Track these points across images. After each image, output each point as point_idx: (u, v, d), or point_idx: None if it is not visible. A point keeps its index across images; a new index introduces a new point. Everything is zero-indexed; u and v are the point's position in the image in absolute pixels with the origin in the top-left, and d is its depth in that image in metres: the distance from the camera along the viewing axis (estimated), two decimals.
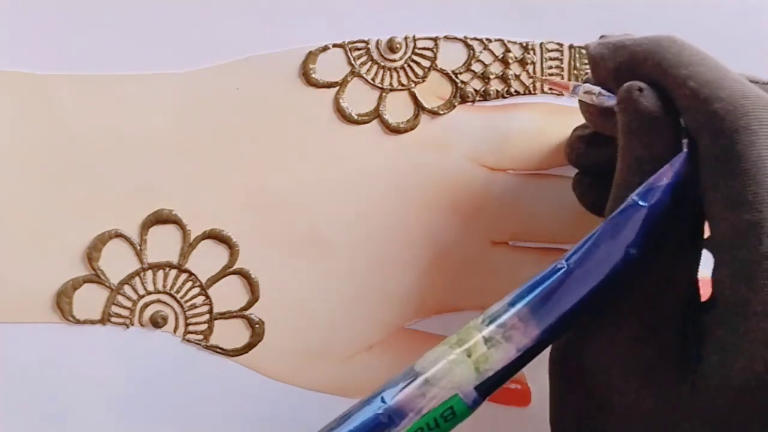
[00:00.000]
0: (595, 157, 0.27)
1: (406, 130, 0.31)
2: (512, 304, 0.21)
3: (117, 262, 0.29)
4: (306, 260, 0.30)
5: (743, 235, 0.19)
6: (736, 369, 0.18)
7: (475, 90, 0.31)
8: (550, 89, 0.31)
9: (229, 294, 0.30)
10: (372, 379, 0.30)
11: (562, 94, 0.31)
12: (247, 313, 0.30)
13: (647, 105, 0.21)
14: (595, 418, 0.22)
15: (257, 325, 0.30)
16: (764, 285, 0.18)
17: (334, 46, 0.30)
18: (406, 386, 0.20)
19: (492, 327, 0.21)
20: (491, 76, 0.31)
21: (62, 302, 0.29)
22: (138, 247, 0.30)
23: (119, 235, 0.29)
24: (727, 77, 0.20)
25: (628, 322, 0.21)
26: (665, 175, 0.21)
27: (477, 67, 0.31)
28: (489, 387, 0.21)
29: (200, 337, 0.30)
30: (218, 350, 0.30)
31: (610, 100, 0.23)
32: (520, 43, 0.31)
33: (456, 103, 0.31)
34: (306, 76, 0.30)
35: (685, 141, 0.21)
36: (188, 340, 0.30)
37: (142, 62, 0.30)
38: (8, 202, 0.29)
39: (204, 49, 0.30)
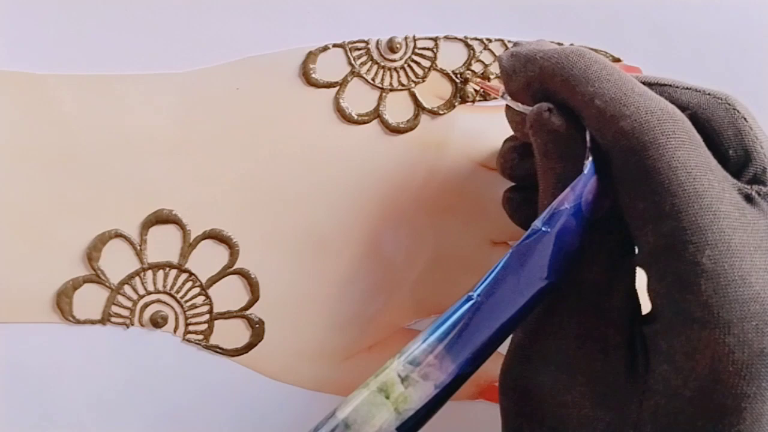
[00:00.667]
0: (529, 167, 0.26)
1: (406, 130, 0.31)
2: (425, 340, 0.20)
3: (117, 262, 0.29)
4: (306, 260, 0.30)
5: (669, 246, 0.19)
6: (684, 378, 0.19)
7: (475, 90, 0.31)
8: (481, 90, 0.31)
9: (229, 294, 0.30)
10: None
11: (490, 97, 0.31)
12: (247, 313, 0.30)
13: (558, 125, 0.21)
14: None
15: (257, 325, 0.30)
16: (699, 291, 0.18)
17: (334, 46, 0.30)
18: None
19: (407, 365, 0.20)
20: (491, 76, 0.31)
21: (62, 302, 0.29)
22: (138, 247, 0.30)
23: (119, 235, 0.29)
24: (633, 92, 0.20)
25: (573, 341, 0.21)
26: (566, 200, 0.20)
27: (477, 67, 0.31)
28: (411, 427, 0.20)
29: (200, 337, 0.30)
30: (218, 350, 0.30)
31: (525, 109, 0.23)
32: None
33: (456, 103, 0.31)
34: (306, 76, 0.30)
35: (587, 161, 0.21)
36: (188, 340, 0.30)
37: (142, 62, 0.30)
38: (8, 202, 0.29)
39: (204, 49, 0.30)
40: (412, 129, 0.31)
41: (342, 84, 0.30)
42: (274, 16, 0.30)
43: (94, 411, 0.29)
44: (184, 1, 0.30)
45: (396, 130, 0.31)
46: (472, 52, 0.31)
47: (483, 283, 0.20)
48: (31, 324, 0.29)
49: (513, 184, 0.28)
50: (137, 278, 0.30)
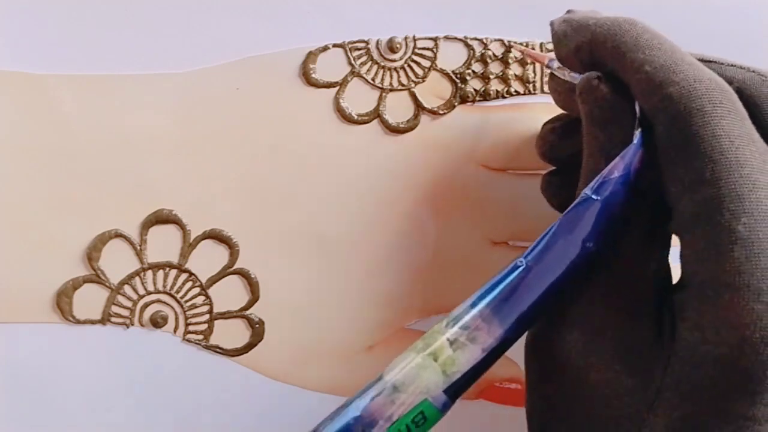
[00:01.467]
0: (569, 147, 0.27)
1: (406, 130, 0.31)
2: (474, 305, 0.21)
3: (117, 262, 0.29)
4: (306, 260, 0.30)
5: (706, 212, 0.19)
6: (711, 344, 0.19)
7: (475, 90, 0.31)
8: (527, 58, 0.31)
9: (229, 294, 0.30)
10: (372, 379, 0.30)
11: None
12: (247, 313, 0.30)
13: (606, 93, 0.22)
14: (564, 406, 0.22)
15: (257, 325, 0.30)
16: (732, 258, 0.18)
17: (334, 46, 0.30)
18: (376, 395, 0.20)
19: (455, 329, 0.21)
20: (491, 76, 0.31)
21: (62, 302, 0.29)
22: (138, 247, 0.30)
23: (119, 235, 0.29)
24: (683, 61, 0.21)
25: (602, 306, 0.21)
26: (617, 168, 0.21)
27: (477, 67, 0.31)
28: (457, 389, 0.21)
29: (200, 337, 0.30)
30: (218, 350, 0.30)
31: (572, 76, 0.24)
32: (521, 43, 0.31)
33: (456, 103, 0.31)
34: (306, 76, 0.30)
35: (637, 131, 0.21)
36: (188, 340, 0.30)
37: (142, 62, 0.30)
38: (8, 202, 0.29)
39: (204, 49, 0.30)
40: (412, 129, 0.31)
41: (342, 84, 0.30)
42: (274, 16, 0.30)
43: (94, 411, 0.29)
44: (184, 1, 0.30)
45: (396, 130, 0.30)
46: (472, 52, 0.31)
47: (533, 249, 0.21)
48: (31, 324, 0.29)
49: (553, 168, 0.28)
50: (137, 278, 0.30)
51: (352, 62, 0.30)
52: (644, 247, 0.21)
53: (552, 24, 0.24)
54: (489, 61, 0.31)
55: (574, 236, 0.21)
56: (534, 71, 0.31)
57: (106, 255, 0.29)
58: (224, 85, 0.30)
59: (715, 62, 0.23)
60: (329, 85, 0.30)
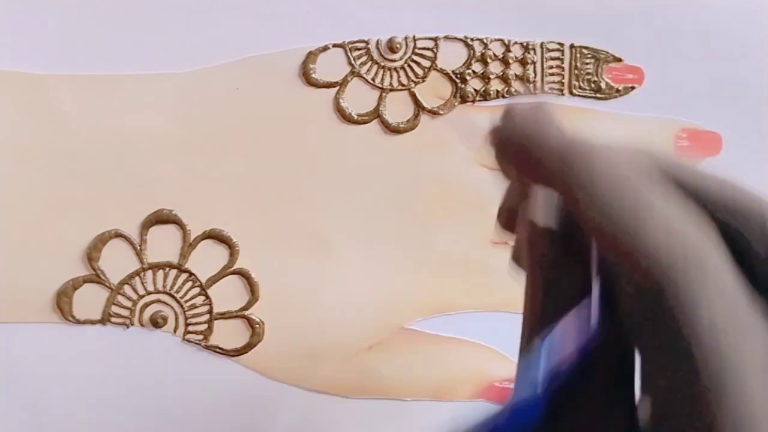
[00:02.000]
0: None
1: (406, 130, 0.30)
2: None
3: (117, 262, 0.29)
4: (306, 260, 0.30)
5: (681, 384, 0.17)
6: None
7: (476, 90, 0.31)
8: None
9: (229, 294, 0.30)
10: (372, 379, 0.30)
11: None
12: (247, 313, 0.30)
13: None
14: None
15: (257, 325, 0.30)
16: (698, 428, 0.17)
17: (334, 46, 0.30)
18: None
19: None
20: (491, 76, 0.31)
21: (62, 302, 0.29)
22: (138, 247, 0.30)
23: (119, 235, 0.29)
24: (650, 213, 0.18)
25: None
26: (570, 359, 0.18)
27: (477, 67, 0.31)
28: None
29: (200, 337, 0.30)
30: (218, 350, 0.30)
31: None
32: (521, 43, 0.31)
33: (456, 103, 0.31)
34: (306, 76, 0.30)
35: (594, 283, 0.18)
36: (188, 340, 0.30)
37: (142, 62, 0.30)
38: (8, 202, 0.29)
39: (204, 49, 0.30)
40: (412, 129, 0.31)
41: (342, 84, 0.30)
42: (274, 16, 0.30)
43: (94, 411, 0.29)
44: (184, 1, 0.30)
45: (396, 130, 0.30)
46: (472, 52, 0.31)
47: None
48: (31, 324, 0.29)
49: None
50: (137, 278, 0.30)
51: (352, 62, 0.30)
52: (608, 399, 0.19)
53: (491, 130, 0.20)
54: (489, 60, 0.31)
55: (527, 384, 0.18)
56: (534, 71, 0.31)
57: (106, 255, 0.29)
58: (224, 85, 0.30)
59: (701, 191, 0.19)
60: (329, 85, 0.30)
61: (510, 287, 0.30)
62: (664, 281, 0.17)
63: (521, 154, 0.19)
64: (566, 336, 0.18)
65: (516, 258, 0.23)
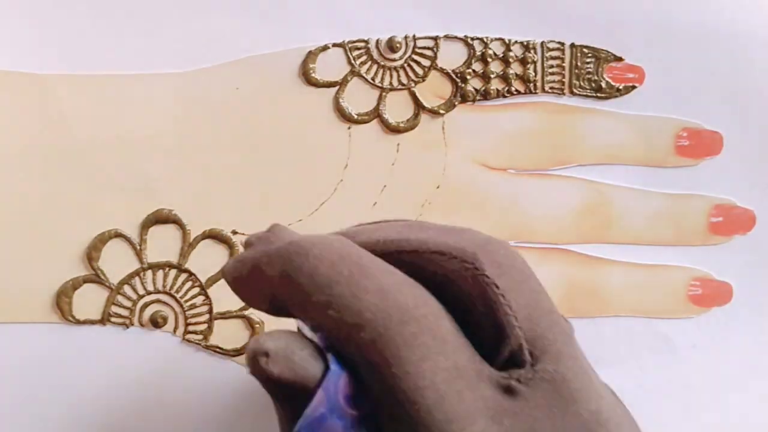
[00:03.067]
0: None
1: (406, 130, 0.30)
2: None
3: (117, 262, 0.29)
4: None
5: None
6: None
7: (476, 89, 0.31)
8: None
9: (229, 294, 0.30)
10: None
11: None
12: (247, 313, 0.30)
13: (278, 372, 0.18)
14: None
15: (257, 325, 0.30)
16: None
17: (334, 45, 0.30)
18: None
19: None
20: (492, 75, 0.31)
21: (62, 302, 0.29)
22: (138, 247, 0.30)
23: (119, 235, 0.29)
24: (368, 292, 0.18)
25: None
26: (320, 404, 0.17)
27: (477, 67, 0.31)
28: None
29: (200, 337, 0.30)
30: (218, 350, 0.30)
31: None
32: (521, 42, 0.31)
33: (456, 103, 0.31)
34: (306, 76, 0.30)
35: (330, 355, 0.18)
36: (188, 340, 0.30)
37: (142, 62, 0.30)
38: (8, 202, 0.29)
39: (204, 49, 0.30)
40: (412, 129, 0.31)
41: (342, 83, 0.30)
42: (274, 16, 0.30)
43: (93, 411, 0.29)
44: (184, 1, 0.30)
45: (396, 130, 0.30)
46: (472, 51, 0.31)
47: None
48: (31, 324, 0.29)
49: None
50: (137, 278, 0.30)
51: (352, 62, 0.30)
52: None
53: (224, 272, 0.21)
54: (489, 60, 0.31)
55: None
56: (535, 70, 0.31)
57: (106, 255, 0.29)
58: (224, 85, 0.30)
59: (416, 251, 0.19)
60: (329, 85, 0.30)
61: None
62: (388, 353, 0.17)
63: (255, 270, 0.19)
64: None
65: None
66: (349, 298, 0.18)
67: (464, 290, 0.19)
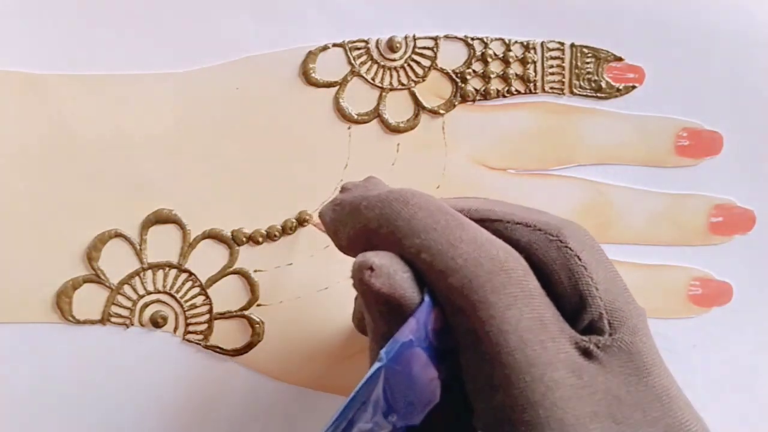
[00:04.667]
0: None
1: (406, 130, 0.30)
2: None
3: (117, 262, 0.29)
4: (306, 260, 0.30)
5: (501, 421, 0.18)
6: None
7: (476, 89, 0.31)
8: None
9: (229, 294, 0.30)
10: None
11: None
12: (247, 313, 0.30)
13: (379, 286, 0.19)
14: None
15: (257, 325, 0.30)
16: None
17: (334, 45, 0.30)
18: None
19: None
20: (492, 75, 0.31)
21: (62, 302, 0.29)
22: (138, 247, 0.30)
23: (119, 235, 0.29)
24: (461, 241, 0.19)
25: None
26: (410, 330, 0.18)
27: (477, 66, 0.31)
28: None
29: (200, 337, 0.30)
30: (218, 350, 0.30)
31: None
32: (521, 42, 0.31)
33: (456, 103, 0.31)
34: (306, 76, 0.30)
35: (425, 289, 0.19)
36: (188, 340, 0.30)
37: (142, 62, 0.30)
38: (8, 202, 0.29)
39: (204, 49, 0.30)
40: (412, 129, 0.31)
41: (342, 83, 0.30)
42: (274, 16, 0.30)
43: (93, 411, 0.29)
44: (184, 1, 0.30)
45: (396, 130, 0.30)
46: (472, 51, 0.31)
47: (329, 428, 0.18)
48: (31, 324, 0.29)
49: None
50: (137, 278, 0.30)
51: (352, 62, 0.30)
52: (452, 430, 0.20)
53: (323, 214, 0.22)
54: (489, 60, 0.31)
55: (377, 415, 0.18)
56: (535, 70, 0.31)
57: (106, 255, 0.29)
58: (224, 85, 0.30)
59: (501, 221, 0.20)
60: (329, 85, 0.30)
61: None
62: (476, 298, 0.18)
63: (353, 212, 0.21)
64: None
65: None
66: (444, 245, 0.19)
67: (546, 261, 0.20)
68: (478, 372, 0.18)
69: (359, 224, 0.20)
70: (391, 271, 0.19)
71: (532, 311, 0.18)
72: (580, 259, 0.20)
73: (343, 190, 0.22)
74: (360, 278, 0.19)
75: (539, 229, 0.20)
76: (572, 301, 0.19)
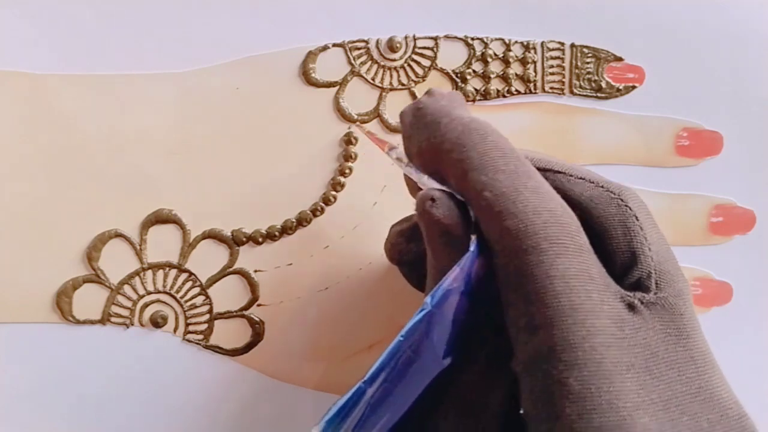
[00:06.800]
0: (417, 250, 0.25)
1: None
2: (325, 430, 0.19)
3: (117, 262, 0.29)
4: (306, 259, 0.30)
5: (540, 360, 0.18)
6: None
7: (476, 89, 0.31)
8: (371, 137, 0.28)
9: (229, 294, 0.30)
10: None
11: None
12: (247, 313, 0.30)
13: (441, 217, 0.20)
14: None
15: (257, 325, 0.30)
16: (564, 414, 0.18)
17: (334, 45, 0.30)
18: None
19: None
20: (492, 75, 0.31)
21: (62, 302, 0.29)
22: (138, 247, 0.30)
23: (119, 235, 0.29)
24: (525, 188, 0.19)
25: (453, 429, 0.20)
26: (455, 278, 0.19)
27: (477, 67, 0.31)
28: None
29: (200, 337, 0.30)
30: (218, 350, 0.30)
31: (416, 175, 0.22)
32: (521, 42, 0.31)
33: None
34: (306, 76, 0.30)
35: (473, 239, 0.19)
36: (188, 340, 0.30)
37: (142, 62, 0.30)
38: (8, 202, 0.29)
39: (204, 49, 0.30)
40: None
41: (342, 83, 0.30)
42: (274, 16, 0.30)
43: (93, 411, 0.29)
44: (184, 1, 0.30)
45: (396, 130, 0.30)
46: (472, 51, 0.31)
47: (376, 371, 0.19)
48: (31, 324, 0.29)
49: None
50: (137, 278, 0.30)
51: (352, 62, 0.30)
52: (485, 381, 0.20)
53: (402, 114, 0.23)
54: (489, 60, 0.31)
55: (422, 357, 0.19)
56: (535, 70, 0.31)
57: (106, 255, 0.29)
58: (224, 85, 0.30)
59: (564, 173, 0.21)
60: (329, 85, 0.30)
61: None
62: (529, 242, 0.18)
63: (432, 124, 0.21)
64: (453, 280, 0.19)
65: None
66: (508, 188, 0.19)
67: (606, 216, 0.20)
68: (521, 313, 0.19)
69: (435, 140, 0.21)
70: (450, 203, 0.20)
71: (581, 263, 0.19)
72: (637, 219, 0.20)
73: (429, 93, 0.22)
74: (423, 209, 0.20)
75: (601, 186, 0.21)
76: (624, 257, 0.20)
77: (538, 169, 0.21)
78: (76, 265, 0.29)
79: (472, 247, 0.19)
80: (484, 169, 0.20)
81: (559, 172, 0.21)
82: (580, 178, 0.21)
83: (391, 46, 0.30)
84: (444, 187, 0.21)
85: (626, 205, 0.21)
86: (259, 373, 0.30)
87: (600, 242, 0.20)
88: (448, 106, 0.22)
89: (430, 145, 0.21)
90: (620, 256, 0.20)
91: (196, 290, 0.30)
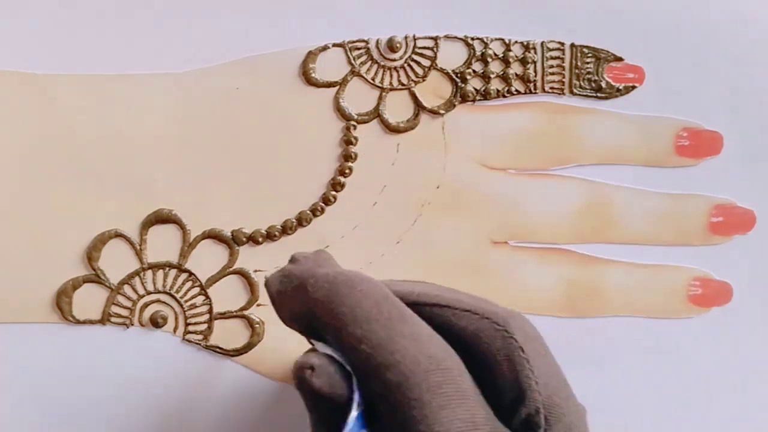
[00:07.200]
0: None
1: (406, 130, 0.30)
2: None
3: (117, 262, 0.29)
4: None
5: None
6: None
7: (476, 89, 0.31)
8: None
9: (229, 294, 0.30)
10: None
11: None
12: (247, 313, 0.30)
13: (320, 386, 0.19)
14: None
15: (257, 325, 0.30)
16: None
17: (334, 45, 0.30)
18: None
19: None
20: (492, 75, 0.31)
21: (62, 302, 0.29)
22: (138, 247, 0.30)
23: (119, 235, 0.29)
24: (402, 336, 0.19)
25: None
26: None
27: (477, 66, 0.31)
28: None
29: (200, 337, 0.30)
30: (218, 350, 0.30)
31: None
32: (521, 42, 0.31)
33: (456, 103, 0.31)
34: (306, 76, 0.30)
35: (354, 413, 0.19)
36: (188, 340, 0.30)
37: (142, 62, 0.30)
38: (8, 202, 0.29)
39: (204, 49, 0.30)
40: (412, 129, 0.31)
41: (342, 83, 0.30)
42: (274, 16, 0.30)
43: (94, 411, 0.29)
44: (184, 1, 0.30)
45: (396, 130, 0.30)
46: (472, 51, 0.31)
47: None
48: (31, 324, 0.29)
49: None
50: (137, 278, 0.30)
51: (352, 62, 0.30)
52: None
53: (268, 283, 0.22)
54: (489, 60, 0.31)
55: None
56: (535, 70, 0.31)
57: (106, 255, 0.29)
58: (224, 85, 0.30)
59: (449, 307, 0.21)
60: (329, 85, 0.30)
61: (509, 287, 0.30)
62: (411, 396, 0.18)
63: (300, 288, 0.21)
64: None
65: None
66: (384, 338, 0.19)
67: (490, 350, 0.20)
68: None
69: (303, 304, 0.21)
70: (330, 370, 0.19)
71: (465, 411, 0.18)
72: (523, 351, 0.20)
73: (293, 260, 0.22)
74: (302, 378, 0.19)
75: (486, 318, 0.20)
76: (512, 393, 0.20)
77: (424, 304, 0.21)
78: (76, 265, 0.29)
79: (353, 413, 0.19)
80: (358, 322, 0.19)
81: (445, 306, 0.21)
82: (465, 311, 0.21)
83: (391, 46, 0.30)
84: (328, 349, 0.20)
85: (512, 337, 0.20)
86: (259, 374, 0.30)
87: (489, 375, 0.20)
88: (313, 267, 0.21)
89: (301, 310, 0.21)
90: (508, 393, 0.20)
91: (196, 290, 0.30)
